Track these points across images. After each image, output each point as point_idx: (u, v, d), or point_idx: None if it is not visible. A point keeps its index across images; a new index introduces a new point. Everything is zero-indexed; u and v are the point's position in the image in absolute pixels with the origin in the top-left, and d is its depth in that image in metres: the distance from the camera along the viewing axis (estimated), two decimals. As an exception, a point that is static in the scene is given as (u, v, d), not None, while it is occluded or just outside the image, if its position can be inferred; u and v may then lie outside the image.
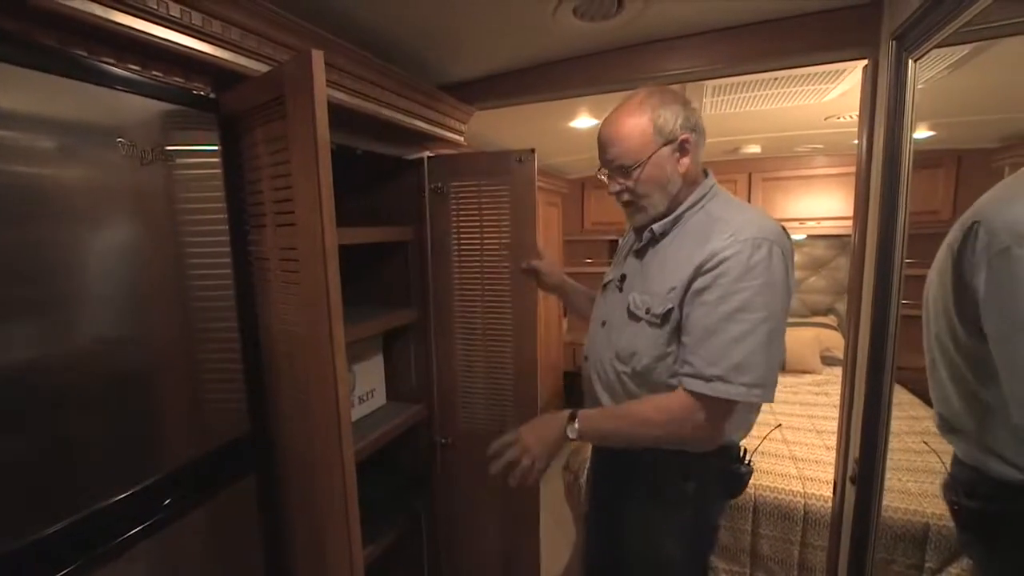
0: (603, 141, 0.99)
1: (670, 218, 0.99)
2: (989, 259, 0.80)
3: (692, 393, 0.87)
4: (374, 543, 1.36)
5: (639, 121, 0.94)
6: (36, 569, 0.61)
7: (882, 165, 0.96)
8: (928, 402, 2.45)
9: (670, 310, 0.92)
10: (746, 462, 1.05)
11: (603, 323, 1.10)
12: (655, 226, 1.00)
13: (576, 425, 0.96)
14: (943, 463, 1.05)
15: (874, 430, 1.00)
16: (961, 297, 0.88)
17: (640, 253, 1.04)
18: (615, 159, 0.97)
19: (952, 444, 1.00)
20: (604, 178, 1.02)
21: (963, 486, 0.97)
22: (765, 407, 2.65)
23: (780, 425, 2.49)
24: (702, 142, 0.99)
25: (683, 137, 0.95)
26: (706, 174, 1.02)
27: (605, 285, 1.16)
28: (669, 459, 0.99)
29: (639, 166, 0.94)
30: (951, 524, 1.54)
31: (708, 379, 0.85)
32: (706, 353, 0.86)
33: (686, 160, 0.96)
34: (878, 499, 1.01)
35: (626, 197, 0.99)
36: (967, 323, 0.88)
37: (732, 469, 1.03)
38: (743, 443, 1.07)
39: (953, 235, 0.87)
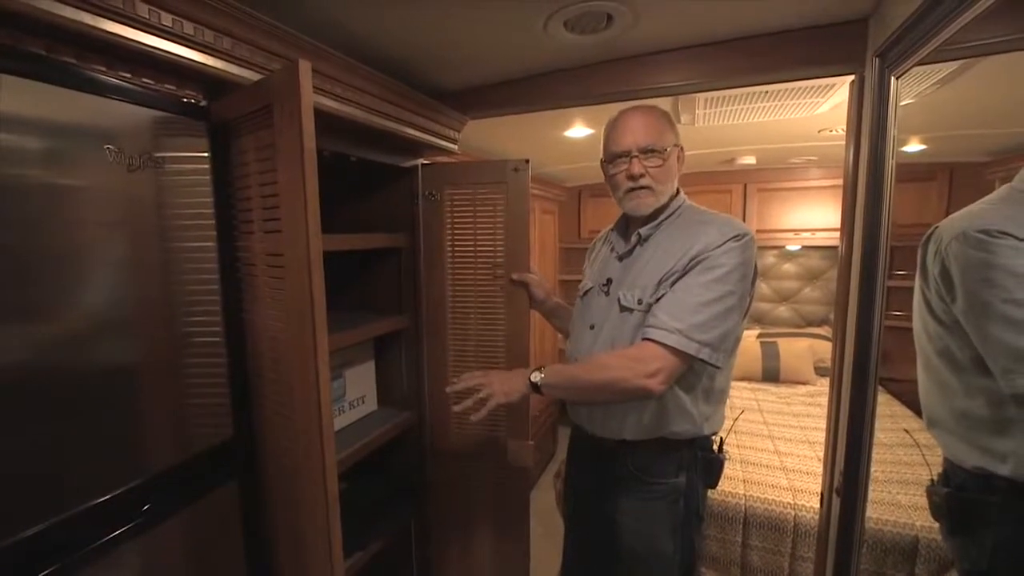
0: (634, 125, 1.07)
1: (654, 223, 1.11)
2: (940, 250, 0.94)
3: (652, 342, 0.95)
4: (363, 550, 1.36)
5: (664, 118, 1.09)
6: (11, 572, 0.60)
7: (866, 179, 0.97)
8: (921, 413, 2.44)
9: (662, 296, 1.01)
10: (721, 451, 1.15)
11: (591, 326, 1.16)
12: (642, 229, 1.12)
13: (541, 372, 1.05)
14: (931, 472, 1.09)
15: (858, 441, 1.00)
16: (926, 291, 1.00)
17: (623, 257, 1.14)
18: (650, 140, 1.06)
19: (935, 438, 1.06)
20: (623, 164, 1.08)
21: (941, 477, 1.04)
22: (758, 418, 2.66)
23: (743, 412, 2.52)
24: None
25: (682, 146, 1.11)
26: (677, 190, 1.15)
27: (585, 293, 1.22)
28: (664, 458, 1.08)
29: (667, 152, 1.06)
30: (940, 537, 1.55)
31: (670, 331, 0.94)
32: (674, 310, 0.96)
33: (680, 167, 1.12)
34: (862, 510, 1.01)
35: (646, 181, 1.07)
36: (933, 314, 0.98)
37: (711, 458, 1.13)
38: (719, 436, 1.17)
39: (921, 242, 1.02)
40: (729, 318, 0.97)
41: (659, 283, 1.02)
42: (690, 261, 0.99)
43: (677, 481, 1.09)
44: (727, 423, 1.18)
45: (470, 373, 1.12)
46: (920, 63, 0.81)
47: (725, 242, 0.99)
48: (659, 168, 1.06)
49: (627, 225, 1.19)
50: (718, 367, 0.98)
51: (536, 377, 1.04)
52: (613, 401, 1.06)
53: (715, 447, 1.15)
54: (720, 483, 1.23)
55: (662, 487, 1.09)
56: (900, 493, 1.74)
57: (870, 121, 0.96)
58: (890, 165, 0.91)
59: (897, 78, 0.88)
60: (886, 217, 0.92)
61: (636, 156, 1.06)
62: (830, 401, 1.24)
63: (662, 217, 1.11)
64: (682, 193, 1.15)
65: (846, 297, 1.15)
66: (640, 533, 1.11)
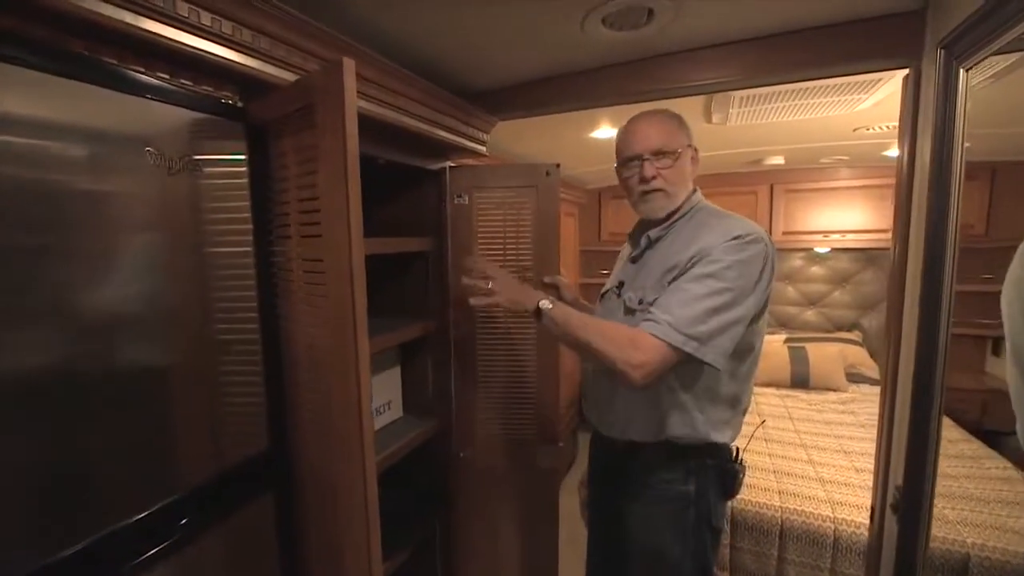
0: (643, 130, 1.09)
1: (665, 224, 1.10)
2: None
3: (646, 333, 0.94)
4: (389, 559, 1.33)
5: (674, 120, 1.09)
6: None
7: (929, 178, 0.92)
8: (963, 424, 2.34)
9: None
10: (739, 462, 1.12)
11: None
12: (651, 232, 1.12)
13: (551, 304, 1.02)
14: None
15: (921, 456, 0.95)
16: None
17: (635, 259, 1.14)
18: (660, 144, 1.06)
19: None
20: (635, 167, 1.08)
21: None
22: (789, 426, 2.57)
23: (764, 422, 2.44)
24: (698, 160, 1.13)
25: (695, 147, 1.10)
26: (694, 189, 1.13)
27: (604, 294, 1.23)
28: (673, 463, 1.07)
29: (678, 153, 1.06)
30: (993, 555, 1.47)
31: (659, 322, 0.93)
32: (664, 303, 0.96)
33: (695, 168, 1.11)
34: (926, 529, 0.96)
35: (658, 183, 1.06)
36: None
37: (727, 468, 1.10)
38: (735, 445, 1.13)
39: None
40: (723, 314, 0.93)
41: (657, 284, 1.02)
42: (689, 260, 0.98)
43: (686, 488, 1.06)
44: (746, 429, 1.13)
45: (494, 267, 1.13)
46: (997, 53, 0.75)
47: (726, 241, 0.96)
48: (670, 169, 1.06)
49: (642, 228, 1.18)
50: (706, 362, 0.94)
51: (545, 305, 1.02)
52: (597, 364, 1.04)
53: (731, 457, 1.11)
54: (755, 494, 1.17)
55: (669, 492, 1.07)
56: (947, 507, 1.66)
57: (932, 116, 0.91)
58: (959, 163, 0.86)
59: (967, 70, 0.82)
60: (954, 219, 0.87)
61: (647, 159, 1.05)
62: (881, 412, 1.19)
63: (674, 219, 1.10)
64: (698, 194, 1.12)
65: (900, 303, 1.10)
66: (647, 537, 1.10)
